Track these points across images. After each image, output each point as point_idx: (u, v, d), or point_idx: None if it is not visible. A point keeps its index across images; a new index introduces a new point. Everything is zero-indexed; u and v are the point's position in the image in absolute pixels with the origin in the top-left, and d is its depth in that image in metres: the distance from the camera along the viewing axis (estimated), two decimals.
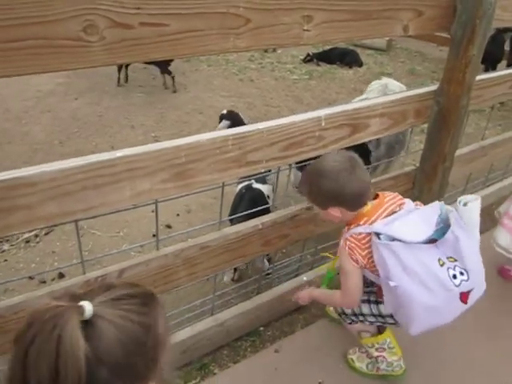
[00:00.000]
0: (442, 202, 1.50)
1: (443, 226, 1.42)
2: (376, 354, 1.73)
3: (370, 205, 1.49)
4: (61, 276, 2.46)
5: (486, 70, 5.70)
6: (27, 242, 2.81)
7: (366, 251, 1.43)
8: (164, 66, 5.31)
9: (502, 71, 2.27)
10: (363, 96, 2.78)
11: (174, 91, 5.41)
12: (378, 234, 1.39)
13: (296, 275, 2.18)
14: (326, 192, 1.43)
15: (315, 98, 5.39)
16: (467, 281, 1.36)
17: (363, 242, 1.43)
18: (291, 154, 1.54)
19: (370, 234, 1.42)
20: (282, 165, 1.59)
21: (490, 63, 5.64)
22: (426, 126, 2.05)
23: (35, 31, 0.96)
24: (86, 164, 1.16)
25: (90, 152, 3.91)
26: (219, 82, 5.77)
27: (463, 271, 1.37)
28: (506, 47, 5.66)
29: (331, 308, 2.03)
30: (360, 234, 1.43)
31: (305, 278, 2.07)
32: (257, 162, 1.46)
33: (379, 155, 2.56)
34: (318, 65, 6.78)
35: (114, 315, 0.61)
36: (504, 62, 5.72)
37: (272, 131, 1.44)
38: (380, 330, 1.73)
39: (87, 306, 0.58)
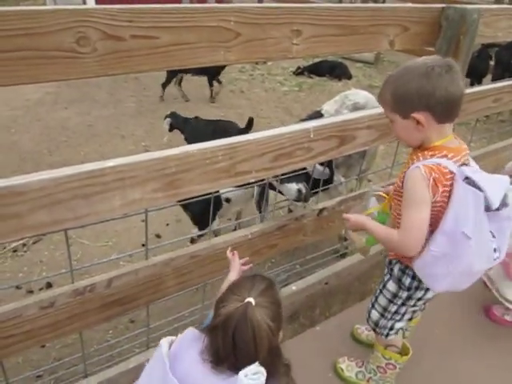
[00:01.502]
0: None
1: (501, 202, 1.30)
2: (383, 364, 1.72)
3: (453, 140, 1.32)
4: (48, 286, 2.45)
5: (472, 85, 5.82)
6: (14, 251, 2.79)
7: (444, 189, 1.26)
8: (215, 74, 5.56)
9: (485, 86, 2.33)
10: (323, 106, 2.81)
11: (213, 102, 5.71)
12: (466, 178, 1.24)
13: (285, 285, 2.19)
14: (413, 91, 1.23)
15: (305, 110, 5.44)
16: (498, 258, 1.33)
17: (447, 177, 1.25)
18: (280, 164, 1.56)
19: (453, 173, 1.26)
20: (270, 175, 1.61)
21: (475, 78, 5.76)
22: None
23: (24, 42, 0.98)
24: (77, 173, 1.16)
25: (78, 162, 3.88)
26: (210, 93, 5.80)
27: (497, 249, 1.33)
28: (492, 62, 5.77)
29: (358, 330, 2.03)
30: (445, 167, 1.25)
31: (294, 288, 2.09)
32: (246, 173, 1.47)
33: (337, 163, 2.60)
34: (310, 77, 6.86)
35: (264, 301, 1.02)
36: (489, 77, 5.83)
37: (262, 142, 1.46)
38: (406, 351, 1.72)
39: (252, 301, 1.00)
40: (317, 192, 2.06)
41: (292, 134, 1.54)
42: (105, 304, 1.44)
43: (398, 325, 1.62)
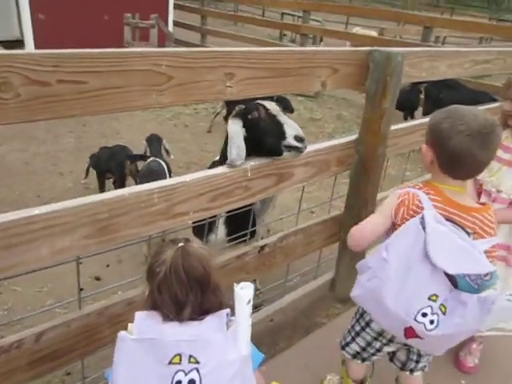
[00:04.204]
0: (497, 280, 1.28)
1: (471, 286, 1.25)
2: None
3: (460, 195, 1.35)
4: None
5: (405, 118, 6.17)
6: None
7: (406, 217, 1.34)
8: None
9: (413, 121, 2.47)
10: None
11: None
12: (422, 219, 1.28)
13: None
14: (440, 128, 1.30)
15: None
16: (430, 330, 1.26)
17: (413, 208, 1.33)
18: (219, 204, 1.56)
19: (422, 208, 1.31)
20: (209, 215, 1.59)
21: (408, 111, 6.11)
22: None
23: None
24: (1, 223, 1.10)
25: (13, 201, 3.71)
26: (153, 127, 5.74)
27: (435, 322, 1.27)
28: (422, 96, 6.15)
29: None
30: (419, 201, 1.32)
31: None
32: (184, 214, 1.46)
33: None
34: None
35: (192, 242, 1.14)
36: (421, 109, 6.19)
37: (199, 183, 1.45)
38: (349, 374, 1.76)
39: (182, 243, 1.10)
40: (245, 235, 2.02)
41: (230, 173, 1.55)
42: (34, 360, 1.34)
43: (353, 346, 1.65)
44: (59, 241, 1.19)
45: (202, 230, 1.89)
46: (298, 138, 1.67)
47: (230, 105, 5.43)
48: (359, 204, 2.16)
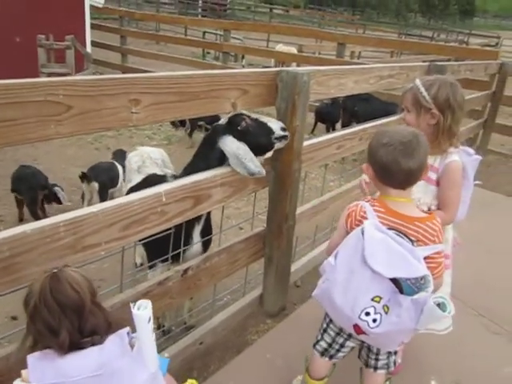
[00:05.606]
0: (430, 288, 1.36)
1: (413, 290, 1.35)
2: None
3: (401, 204, 1.46)
4: None
5: (328, 130, 6.43)
6: None
7: (353, 226, 1.49)
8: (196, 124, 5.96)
9: (327, 135, 2.57)
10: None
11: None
12: (363, 228, 1.39)
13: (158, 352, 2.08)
14: (370, 146, 1.49)
15: (174, 163, 5.44)
16: (372, 328, 1.37)
17: (359, 218, 1.48)
18: (133, 232, 1.52)
19: (366, 218, 1.45)
20: (124, 244, 1.55)
21: (330, 123, 6.37)
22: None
23: None
24: None
25: None
26: (73, 152, 5.54)
27: (378, 320, 1.37)
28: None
29: None
30: (365, 213, 1.46)
31: (166, 355, 2.00)
32: (95, 245, 1.41)
33: None
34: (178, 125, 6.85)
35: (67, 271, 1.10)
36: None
37: (109, 212, 1.41)
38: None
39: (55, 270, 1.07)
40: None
41: (142, 199, 1.52)
42: None
43: (322, 343, 1.74)
44: None
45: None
46: (283, 129, 1.95)
47: (190, 122, 5.78)
48: (279, 219, 2.21)
